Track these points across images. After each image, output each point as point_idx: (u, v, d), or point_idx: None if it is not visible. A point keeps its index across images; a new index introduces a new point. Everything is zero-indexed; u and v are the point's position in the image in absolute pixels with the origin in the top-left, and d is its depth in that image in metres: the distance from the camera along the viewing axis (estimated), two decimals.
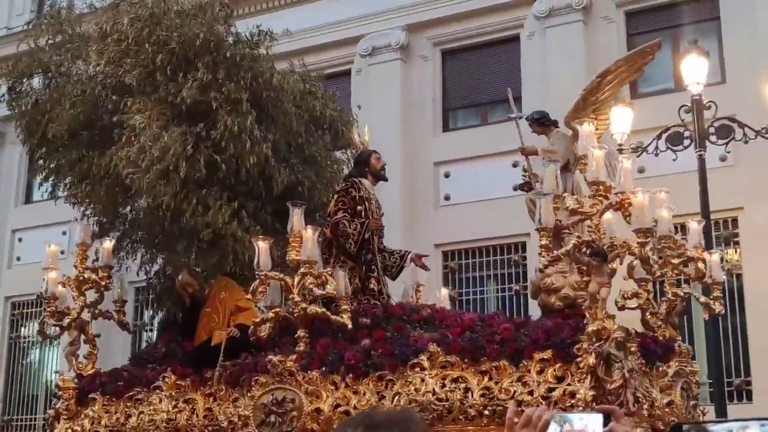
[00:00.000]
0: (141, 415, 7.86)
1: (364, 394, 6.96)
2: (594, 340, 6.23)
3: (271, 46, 8.58)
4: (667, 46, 13.76)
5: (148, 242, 8.44)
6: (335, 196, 8.46)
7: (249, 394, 7.29)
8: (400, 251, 8.83)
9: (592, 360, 6.19)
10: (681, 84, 11.37)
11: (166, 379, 7.80)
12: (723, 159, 12.22)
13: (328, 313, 7.27)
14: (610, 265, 7.96)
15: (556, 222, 8.04)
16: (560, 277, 7.99)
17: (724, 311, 7.93)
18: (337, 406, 6.99)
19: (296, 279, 7.38)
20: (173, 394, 7.77)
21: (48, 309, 8.39)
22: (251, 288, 7.45)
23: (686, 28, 13.73)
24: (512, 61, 14.85)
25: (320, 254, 7.68)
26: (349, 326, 7.32)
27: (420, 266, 8.83)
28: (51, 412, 8.42)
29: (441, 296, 9.45)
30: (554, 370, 6.38)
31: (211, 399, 7.64)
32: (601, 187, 6.40)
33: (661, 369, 6.92)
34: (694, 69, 10.69)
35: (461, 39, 15.16)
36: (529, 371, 6.46)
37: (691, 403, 7.12)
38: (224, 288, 8.41)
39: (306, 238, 7.38)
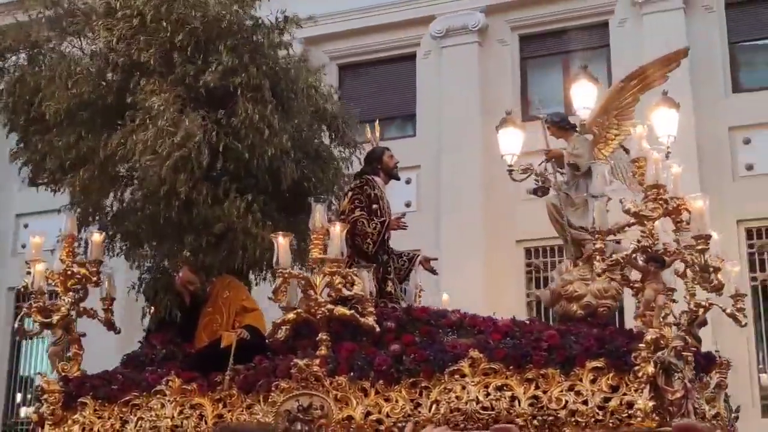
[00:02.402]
0: (140, 422, 7.29)
1: (397, 402, 6.57)
2: (652, 348, 6.00)
3: (294, 32, 8.10)
4: (557, 71, 14.72)
5: (148, 234, 7.82)
6: (349, 194, 8.05)
7: (269, 400, 6.82)
8: (408, 253, 8.47)
9: (651, 369, 5.95)
10: (571, 108, 11.48)
11: (170, 383, 7.25)
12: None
13: (357, 315, 6.85)
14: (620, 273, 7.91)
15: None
16: (582, 284, 7.77)
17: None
18: (368, 414, 6.59)
19: (319, 279, 6.95)
20: (178, 399, 7.23)
21: (35, 304, 7.73)
22: (273, 287, 6.99)
23: (577, 54, 14.09)
24: (408, 79, 15.00)
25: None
26: (378, 329, 6.93)
27: (428, 270, 8.50)
28: (34, 416, 7.75)
29: (442, 301, 9.14)
30: (608, 380, 6.12)
31: (220, 405, 7.13)
32: (661, 190, 6.17)
33: (705, 380, 6.74)
34: (584, 94, 10.78)
35: (359, 54, 15.17)
36: (580, 380, 6.18)
37: (733, 415, 6.96)
38: (227, 287, 7.88)
39: (333, 235, 6.96)
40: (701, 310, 7.56)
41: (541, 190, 8.42)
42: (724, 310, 7.68)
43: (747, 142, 12.19)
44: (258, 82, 7.29)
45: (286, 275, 6.90)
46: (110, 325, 8.22)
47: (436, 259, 8.65)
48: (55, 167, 7.75)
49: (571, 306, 7.76)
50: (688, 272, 7.33)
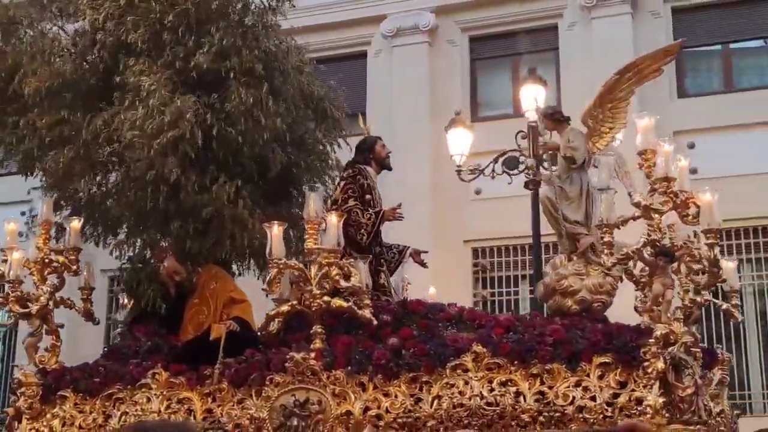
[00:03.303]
0: (125, 416, 7.01)
1: (396, 397, 6.39)
2: (662, 344, 5.89)
3: (285, 16, 7.85)
4: (507, 73, 15.04)
5: (129, 221, 7.51)
6: (341, 183, 7.85)
7: (263, 395, 6.58)
8: (399, 246, 8.29)
9: (660, 365, 5.84)
10: (519, 110, 11.68)
11: (157, 376, 6.98)
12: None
13: (355, 308, 6.65)
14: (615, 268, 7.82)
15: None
16: (577, 279, 7.68)
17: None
18: (367, 409, 6.39)
19: (314, 269, 6.73)
20: (165, 392, 6.96)
21: (12, 294, 7.39)
22: (267, 279, 6.74)
23: (527, 57, 14.35)
24: (359, 77, 15.01)
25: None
26: (375, 322, 6.74)
27: (418, 262, 8.33)
28: (9, 410, 7.42)
29: (429, 295, 8.99)
30: (616, 375, 6.00)
31: (209, 399, 6.87)
32: (671, 184, 6.07)
33: (708, 377, 6.66)
34: (532, 96, 10.90)
35: (310, 51, 14.98)
36: (588, 375, 6.05)
37: (735, 412, 6.90)
38: (214, 278, 7.61)
39: (330, 225, 6.74)
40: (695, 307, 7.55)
41: (532, 183, 8.30)
42: (720, 306, 7.63)
43: (691, 146, 12.30)
44: (251, 65, 7.03)
45: (282, 266, 6.67)
46: (89, 316, 7.93)
47: (426, 252, 8.47)
48: (35, 146, 7.38)
49: (566, 301, 7.65)
50: (683, 267, 7.29)
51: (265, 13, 7.52)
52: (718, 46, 14.69)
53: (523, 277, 13.55)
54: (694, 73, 14.56)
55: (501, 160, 11.14)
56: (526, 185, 8.32)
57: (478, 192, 13.23)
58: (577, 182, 7.89)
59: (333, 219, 6.74)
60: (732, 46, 14.62)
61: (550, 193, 7.88)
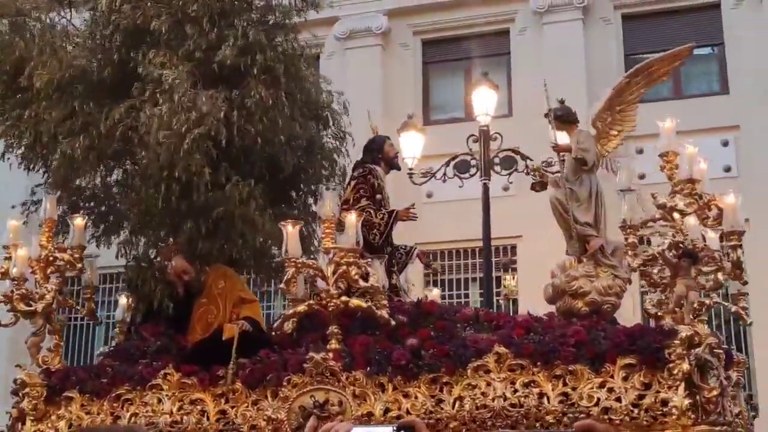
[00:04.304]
0: (134, 418, 6.86)
1: (416, 398, 6.33)
2: (687, 345, 5.90)
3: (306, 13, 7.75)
4: (459, 77, 15.18)
5: (140, 219, 7.35)
6: (352, 182, 7.79)
7: (280, 396, 6.49)
8: (406, 247, 8.25)
9: (686, 366, 5.84)
10: (471, 114, 11.84)
11: (168, 377, 6.85)
12: (506, 189, 12.35)
13: (373, 308, 6.58)
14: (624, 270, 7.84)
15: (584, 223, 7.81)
16: (587, 281, 7.70)
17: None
18: (387, 410, 6.32)
19: (330, 269, 6.65)
20: (177, 393, 6.83)
21: (17, 292, 7.21)
22: (284, 278, 6.64)
23: (479, 61, 14.51)
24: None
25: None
26: (393, 323, 6.68)
27: (425, 264, 8.30)
28: (13, 411, 7.23)
29: (432, 297, 8.94)
30: (640, 376, 6.00)
31: (223, 400, 6.76)
32: (695, 185, 6.09)
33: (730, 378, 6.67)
34: (484, 101, 11.12)
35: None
36: (611, 377, 6.04)
37: (752, 414, 6.93)
38: (222, 277, 7.48)
39: (348, 224, 6.67)
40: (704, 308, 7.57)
41: (539, 185, 8.28)
42: (729, 309, 7.65)
43: (640, 152, 12.45)
44: (272, 64, 6.92)
45: (300, 265, 6.58)
46: (92, 315, 7.79)
47: (430, 253, 8.44)
48: (41, 140, 7.19)
49: (576, 302, 7.67)
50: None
51: (288, 14, 7.38)
52: None
53: (473, 279, 13.66)
54: None
55: (452, 163, 11.38)
56: (533, 187, 8.28)
57: (429, 195, 13.32)
58: (586, 184, 7.91)
59: (352, 218, 6.68)
60: None
61: (560, 194, 7.87)
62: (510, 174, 11.37)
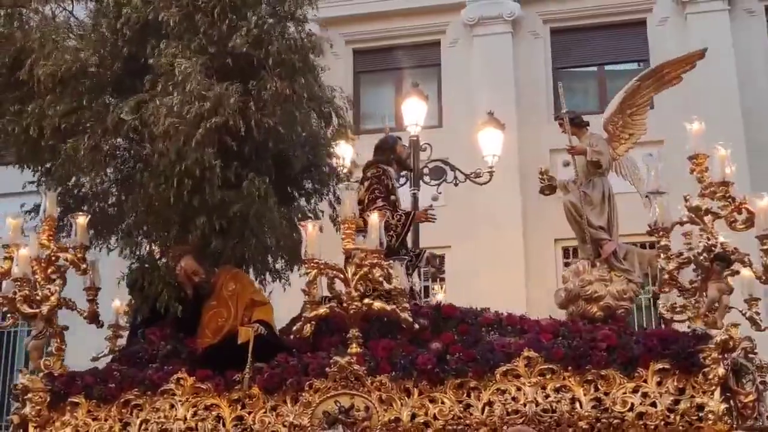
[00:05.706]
0: (145, 424, 6.61)
1: (443, 403, 6.18)
2: (721, 350, 5.84)
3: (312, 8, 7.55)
4: (390, 87, 15.31)
5: (148, 217, 7.08)
6: (365, 183, 7.61)
7: (301, 401, 6.29)
8: (415, 250, 8.09)
9: (722, 371, 5.78)
10: (401, 124, 11.83)
11: (181, 382, 6.61)
12: (435, 199, 11.97)
13: (398, 311, 6.42)
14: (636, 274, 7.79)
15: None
16: (602, 285, 7.63)
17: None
18: (414, 416, 6.16)
19: (351, 271, 6.48)
20: (190, 399, 6.59)
21: (20, 294, 6.92)
22: (307, 281, 6.44)
23: (410, 71, 14.63)
24: None
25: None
26: (417, 327, 6.53)
27: (434, 267, 8.17)
28: (14, 417, 6.93)
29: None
30: (674, 381, 5.92)
31: (239, 406, 6.54)
32: (729, 188, 6.04)
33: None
34: (414, 111, 11.16)
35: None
36: (645, 381, 5.95)
37: None
38: (232, 279, 7.24)
39: (372, 225, 6.50)
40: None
41: (548, 189, 8.19)
42: (743, 314, 7.65)
43: (566, 164, 12.50)
44: (286, 56, 6.73)
45: (322, 266, 6.39)
46: (94, 318, 7.50)
47: (438, 257, 8.30)
48: (50, 133, 6.91)
49: (590, 307, 7.60)
50: None
51: (300, 5, 7.19)
52: (594, 68, 15.22)
53: None
54: (570, 93, 14.50)
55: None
56: (542, 191, 8.17)
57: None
58: (599, 187, 7.86)
59: (375, 219, 6.51)
60: (607, 68, 15.17)
61: (574, 198, 7.80)
62: (439, 185, 11.49)
